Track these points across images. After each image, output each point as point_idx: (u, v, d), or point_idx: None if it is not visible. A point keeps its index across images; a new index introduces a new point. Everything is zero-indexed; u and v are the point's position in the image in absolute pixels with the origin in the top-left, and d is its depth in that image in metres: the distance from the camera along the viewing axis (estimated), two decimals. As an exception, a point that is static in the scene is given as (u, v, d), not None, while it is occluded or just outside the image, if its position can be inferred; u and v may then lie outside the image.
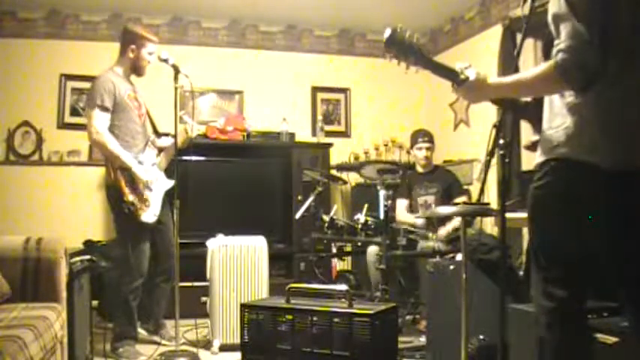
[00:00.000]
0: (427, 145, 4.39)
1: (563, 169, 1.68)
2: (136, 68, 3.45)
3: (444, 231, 4.00)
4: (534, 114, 1.87)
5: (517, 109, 2.01)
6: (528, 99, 1.94)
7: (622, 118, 1.63)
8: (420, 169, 4.46)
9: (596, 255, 1.74)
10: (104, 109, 3.25)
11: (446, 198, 4.23)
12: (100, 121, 3.25)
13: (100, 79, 3.30)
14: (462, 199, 4.23)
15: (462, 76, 1.82)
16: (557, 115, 1.71)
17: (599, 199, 1.65)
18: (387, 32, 1.78)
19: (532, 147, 1.89)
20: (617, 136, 1.63)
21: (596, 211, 1.65)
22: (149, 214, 3.33)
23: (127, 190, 3.25)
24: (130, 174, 3.29)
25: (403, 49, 1.80)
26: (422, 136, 4.43)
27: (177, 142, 3.29)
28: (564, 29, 1.61)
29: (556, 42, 1.64)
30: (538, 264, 1.78)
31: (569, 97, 1.67)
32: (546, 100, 1.79)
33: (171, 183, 3.45)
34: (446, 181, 4.34)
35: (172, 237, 3.46)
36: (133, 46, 3.39)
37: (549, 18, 1.71)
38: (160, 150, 3.57)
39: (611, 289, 1.78)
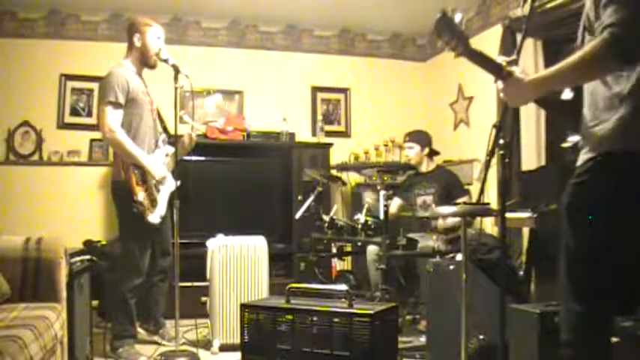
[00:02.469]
0: (409, 144, 4.39)
1: (614, 163, 1.57)
2: (145, 58, 3.41)
3: (443, 223, 3.94)
4: (572, 111, 1.77)
5: (555, 107, 1.92)
6: (568, 97, 1.82)
7: None
8: (420, 169, 4.46)
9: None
10: (117, 105, 3.23)
11: (445, 198, 4.22)
12: (113, 118, 3.22)
13: (113, 75, 3.27)
14: (463, 199, 4.22)
15: (506, 70, 1.72)
16: (606, 107, 1.61)
17: None
18: (439, 15, 1.70)
19: (574, 147, 1.76)
20: None
21: None
22: (155, 215, 3.31)
23: (137, 189, 3.21)
24: (141, 173, 3.27)
25: (455, 35, 1.70)
26: (406, 137, 4.46)
27: (181, 144, 3.30)
28: (608, 9, 1.53)
29: (598, 23, 1.55)
30: (572, 268, 1.68)
31: (617, 87, 1.58)
32: (587, 94, 1.70)
33: (176, 184, 3.43)
34: (445, 181, 4.31)
35: (170, 236, 3.46)
36: (138, 35, 3.38)
37: (587, 4, 1.63)
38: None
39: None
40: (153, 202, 3.31)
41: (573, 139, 1.79)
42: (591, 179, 1.61)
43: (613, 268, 1.62)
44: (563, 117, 1.90)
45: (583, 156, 1.67)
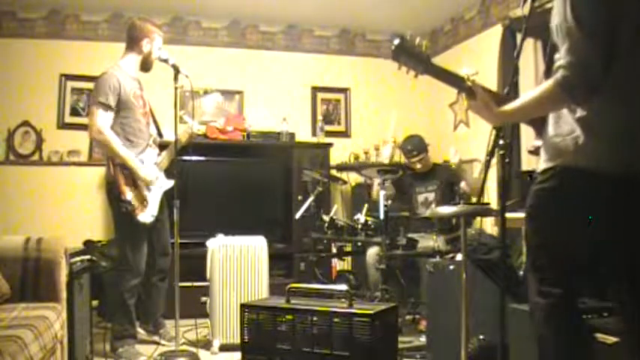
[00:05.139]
0: (418, 157, 4.30)
1: (570, 174, 1.68)
2: (146, 63, 3.44)
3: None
4: (537, 118, 1.87)
5: None
6: None
7: (632, 129, 1.65)
8: (423, 171, 4.44)
9: (596, 256, 1.76)
10: (108, 107, 3.24)
11: (447, 192, 4.21)
12: (102, 119, 3.23)
13: (106, 76, 3.28)
14: (463, 184, 4.19)
15: (468, 83, 1.82)
16: (565, 123, 1.71)
17: (604, 203, 1.66)
18: (396, 41, 1.80)
19: (535, 152, 1.90)
20: (627, 146, 1.65)
21: (600, 215, 1.67)
22: (146, 215, 3.33)
23: (125, 188, 3.24)
24: (129, 172, 3.29)
25: (412, 57, 1.82)
26: (409, 151, 4.34)
27: (177, 142, 3.30)
28: (566, 43, 1.62)
29: (557, 57, 1.65)
30: (534, 263, 1.80)
31: (578, 109, 1.67)
32: None
33: (170, 183, 3.44)
34: (446, 176, 4.33)
35: (168, 236, 3.47)
36: (147, 40, 3.39)
37: (553, 26, 1.70)
38: (162, 148, 3.56)
39: (608, 289, 1.80)
40: (143, 202, 3.31)
41: (536, 143, 1.92)
42: (554, 186, 1.73)
43: (568, 263, 1.75)
44: (527, 123, 2.01)
45: (543, 164, 1.79)
